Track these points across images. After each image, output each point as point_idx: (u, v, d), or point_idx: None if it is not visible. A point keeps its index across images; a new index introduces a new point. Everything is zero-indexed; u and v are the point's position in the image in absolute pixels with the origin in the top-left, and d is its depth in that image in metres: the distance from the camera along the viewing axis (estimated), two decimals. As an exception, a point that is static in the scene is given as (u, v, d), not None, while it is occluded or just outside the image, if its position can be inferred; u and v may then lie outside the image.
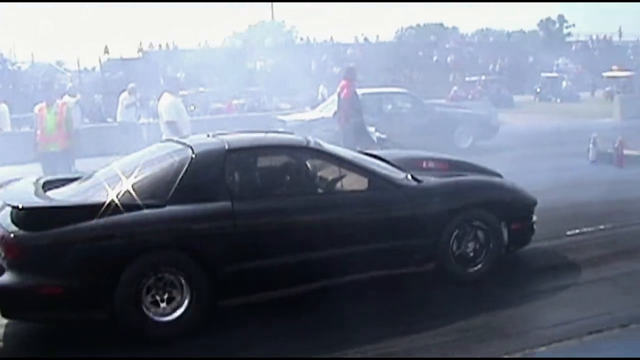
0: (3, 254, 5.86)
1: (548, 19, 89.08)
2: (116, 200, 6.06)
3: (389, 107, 19.46)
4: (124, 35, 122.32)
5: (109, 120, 24.56)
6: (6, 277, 5.74)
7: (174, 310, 6.06)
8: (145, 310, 5.96)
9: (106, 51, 51.21)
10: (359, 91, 14.99)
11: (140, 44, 53.32)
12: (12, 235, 5.78)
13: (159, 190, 6.25)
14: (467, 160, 8.79)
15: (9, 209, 6.14)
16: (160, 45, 53.89)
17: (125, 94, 20.61)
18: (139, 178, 6.41)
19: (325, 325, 6.28)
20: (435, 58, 54.08)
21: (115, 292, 5.80)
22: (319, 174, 7.25)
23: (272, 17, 63.90)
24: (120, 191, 6.22)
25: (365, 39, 58.77)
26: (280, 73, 43.61)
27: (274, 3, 65.54)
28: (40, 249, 5.77)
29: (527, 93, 45.76)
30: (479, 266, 7.34)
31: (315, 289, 6.66)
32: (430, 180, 7.42)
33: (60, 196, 6.60)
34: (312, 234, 6.63)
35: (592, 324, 5.98)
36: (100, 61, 49.58)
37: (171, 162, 6.58)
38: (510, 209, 7.63)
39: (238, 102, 36.45)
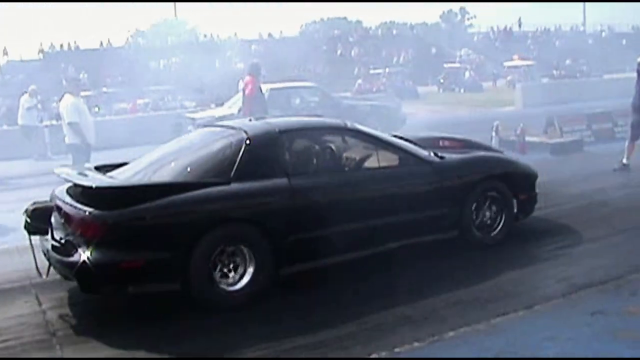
0: (79, 232, 6.13)
1: (450, 11, 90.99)
2: (185, 179, 6.60)
3: (297, 101, 19.57)
4: (24, 36, 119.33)
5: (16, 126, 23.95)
6: (86, 254, 5.96)
7: (240, 279, 6.47)
8: (215, 280, 6.36)
9: (5, 53, 50.14)
10: (267, 86, 14.97)
11: (41, 44, 52.27)
12: (88, 213, 6.06)
13: (221, 170, 6.72)
14: (475, 140, 9.55)
15: (63, 190, 6.76)
16: (61, 46, 52.90)
17: (26, 97, 20.18)
18: (199, 159, 7.00)
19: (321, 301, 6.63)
20: (339, 52, 54.57)
21: (190, 264, 6.15)
22: (357, 151, 7.75)
23: (175, 15, 63.28)
24: (185, 171, 6.77)
25: (269, 34, 58.88)
26: (184, 71, 43.31)
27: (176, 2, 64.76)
28: (120, 226, 6.06)
29: (431, 84, 46.54)
30: (495, 232, 8.13)
31: (362, 256, 7.21)
32: (451, 156, 8.18)
33: (122, 177, 7.00)
34: (358, 205, 7.20)
35: (501, 307, 6.15)
36: (-1, 63, 48.48)
37: (227, 144, 7.04)
38: (518, 181, 8.45)
39: (142, 101, 36.08)
